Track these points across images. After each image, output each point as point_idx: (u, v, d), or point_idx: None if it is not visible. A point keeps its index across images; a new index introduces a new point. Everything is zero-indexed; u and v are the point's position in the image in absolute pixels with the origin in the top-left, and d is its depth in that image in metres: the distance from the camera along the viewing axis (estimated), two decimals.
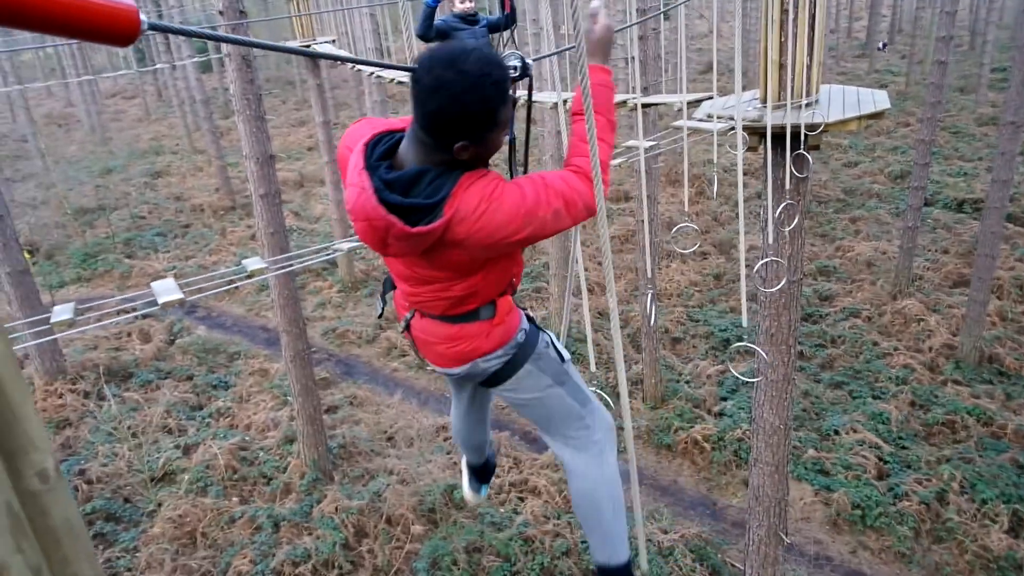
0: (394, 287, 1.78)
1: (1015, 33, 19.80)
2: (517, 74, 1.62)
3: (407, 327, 1.74)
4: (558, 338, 1.85)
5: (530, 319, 1.77)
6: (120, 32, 0.77)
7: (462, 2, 4.63)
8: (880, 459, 6.96)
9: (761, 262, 2.92)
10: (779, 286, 3.40)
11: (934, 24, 18.08)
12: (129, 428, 7.83)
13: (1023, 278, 9.74)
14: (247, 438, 7.73)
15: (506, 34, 5.04)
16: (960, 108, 17.64)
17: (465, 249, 1.44)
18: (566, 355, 1.79)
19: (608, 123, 1.60)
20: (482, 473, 2.44)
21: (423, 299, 1.63)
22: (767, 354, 4.40)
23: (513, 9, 4.90)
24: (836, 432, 7.31)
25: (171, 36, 17.53)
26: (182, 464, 7.34)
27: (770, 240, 3.29)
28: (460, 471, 2.48)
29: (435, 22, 4.52)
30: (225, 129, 19.77)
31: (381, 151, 1.46)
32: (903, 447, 7.15)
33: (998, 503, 6.25)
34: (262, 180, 6.39)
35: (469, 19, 4.65)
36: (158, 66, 16.28)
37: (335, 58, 1.77)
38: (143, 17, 0.81)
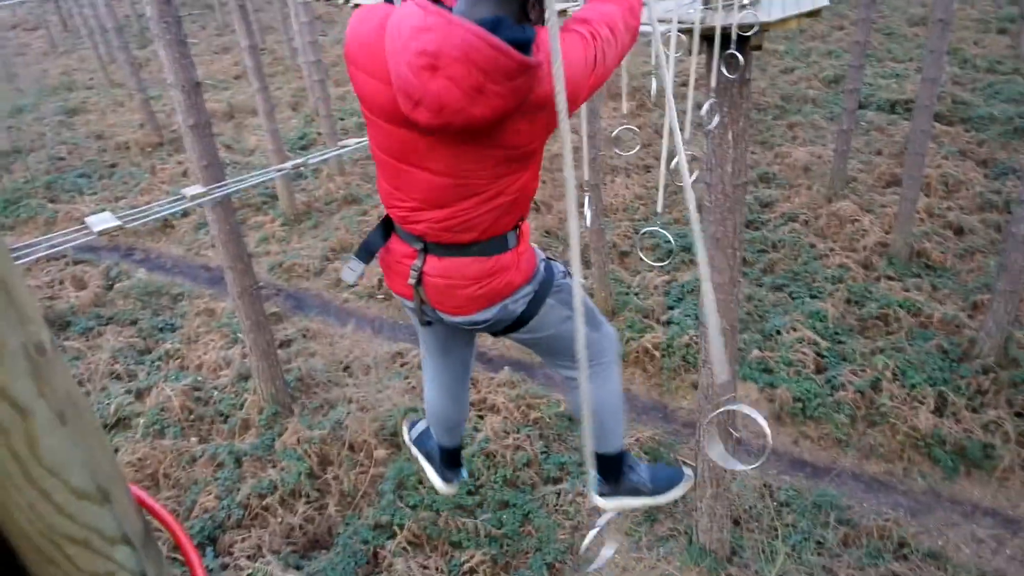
0: (380, 246, 1.59)
1: None
2: None
3: (419, 279, 1.54)
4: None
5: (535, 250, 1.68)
6: None
7: None
8: (819, 354, 7.33)
9: (695, 175, 2.94)
10: (694, 178, 3.46)
11: None
12: (75, 376, 7.64)
13: (949, 175, 10.13)
14: (200, 378, 7.63)
15: None
16: (893, 9, 17.80)
17: (547, 111, 1.28)
18: (578, 277, 1.78)
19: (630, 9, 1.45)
20: (455, 457, 2.22)
21: (456, 224, 1.44)
22: (713, 258, 4.52)
23: None
24: (778, 332, 7.64)
25: None
26: (136, 409, 7.24)
27: (687, 136, 3.32)
28: (421, 468, 2.22)
29: None
30: (144, 60, 18.60)
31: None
32: (840, 342, 7.53)
33: (925, 387, 6.70)
34: (190, 110, 6.08)
35: None
36: None
37: None
38: None
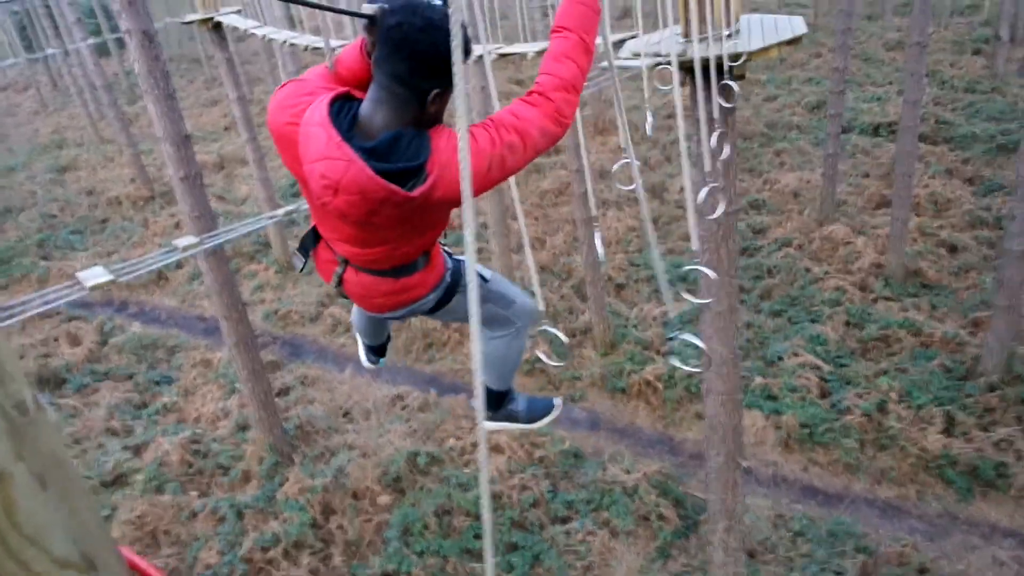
0: (315, 244, 1.79)
1: None
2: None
3: (340, 281, 1.76)
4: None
5: (449, 254, 1.90)
6: None
7: None
8: (822, 379, 7.28)
9: (703, 189, 2.95)
10: (719, 212, 3.46)
11: None
12: (71, 435, 7.51)
13: (937, 194, 10.23)
14: (198, 431, 7.51)
15: None
16: (869, 35, 18.18)
17: (442, 206, 1.46)
18: (487, 274, 1.97)
19: (581, 43, 1.53)
20: (380, 350, 2.58)
21: (369, 259, 1.64)
22: (709, 287, 4.50)
23: None
24: (780, 358, 7.60)
25: (58, 17, 16.39)
26: (134, 465, 7.10)
27: (707, 168, 3.33)
28: (358, 346, 2.58)
29: None
30: (133, 115, 18.75)
31: (347, 120, 1.42)
32: (842, 365, 7.49)
33: (932, 407, 6.64)
34: (180, 162, 6.09)
35: None
36: (49, 52, 15.12)
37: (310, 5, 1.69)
38: None
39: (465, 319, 1.98)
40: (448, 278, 1.84)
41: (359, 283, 1.74)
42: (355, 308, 2.30)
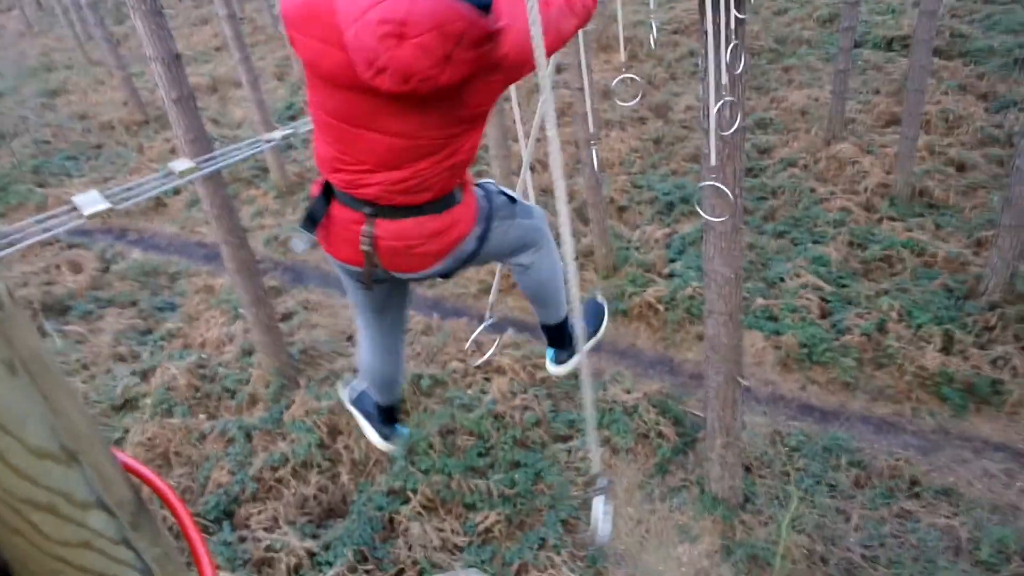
0: (323, 213, 1.55)
1: None
2: None
3: (372, 242, 1.50)
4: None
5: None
6: None
7: None
8: (823, 299, 7.29)
9: (718, 104, 2.86)
10: (733, 128, 3.37)
11: None
12: (78, 361, 7.62)
13: (949, 111, 9.96)
14: (204, 356, 7.61)
15: None
16: None
17: (504, 68, 1.28)
18: (511, 192, 1.80)
19: None
20: (392, 414, 2.24)
21: (408, 186, 1.42)
22: (714, 207, 4.43)
23: None
24: (781, 279, 7.59)
25: None
26: (142, 389, 7.22)
27: (723, 80, 3.21)
28: (360, 427, 2.23)
29: None
30: (122, 35, 18.18)
31: None
32: (843, 286, 7.48)
33: (932, 326, 6.67)
34: (173, 83, 5.91)
35: None
36: None
37: None
38: None
39: (508, 253, 1.83)
40: (484, 205, 1.67)
41: (397, 233, 1.49)
42: (364, 344, 2.01)
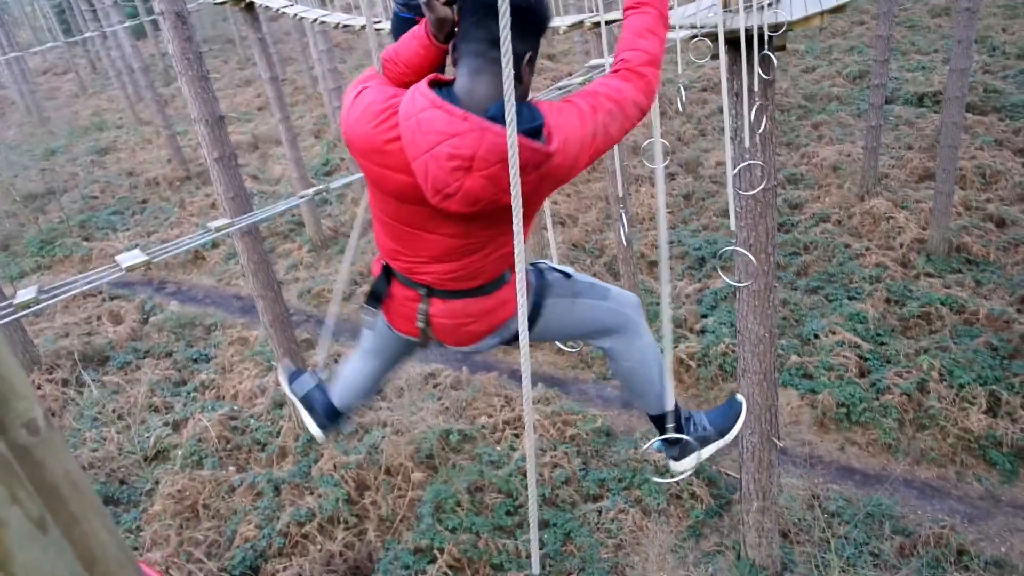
0: (385, 291, 1.66)
1: None
2: None
3: (426, 319, 1.62)
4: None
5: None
6: None
7: None
8: (860, 357, 7.12)
9: (740, 165, 2.87)
10: (760, 188, 3.37)
11: None
12: (114, 411, 7.73)
13: (984, 166, 9.85)
14: (236, 408, 7.67)
15: None
16: (914, 1, 17.50)
17: (556, 177, 1.37)
18: (568, 270, 1.80)
19: (661, 16, 1.53)
20: (341, 415, 2.29)
21: (460, 274, 1.53)
22: (747, 265, 4.40)
23: None
24: (816, 336, 7.45)
25: (96, 0, 16.60)
26: (174, 440, 7.28)
27: (747, 144, 3.23)
28: (298, 413, 2.30)
29: None
30: (169, 97, 19.01)
31: (452, 100, 1.34)
32: (882, 343, 7.31)
33: (975, 386, 6.46)
34: (215, 143, 6.15)
35: None
36: (87, 35, 15.38)
37: None
38: None
39: (566, 332, 1.85)
40: (534, 282, 1.72)
41: (449, 312, 1.61)
42: (354, 366, 2.09)
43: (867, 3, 16.80)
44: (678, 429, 1.97)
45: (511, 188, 1.26)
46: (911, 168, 10.35)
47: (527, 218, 1.45)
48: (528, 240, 1.56)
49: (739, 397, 2.08)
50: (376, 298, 1.69)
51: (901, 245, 8.67)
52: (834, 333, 7.40)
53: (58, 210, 13.34)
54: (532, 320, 1.71)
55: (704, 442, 1.98)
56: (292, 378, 2.31)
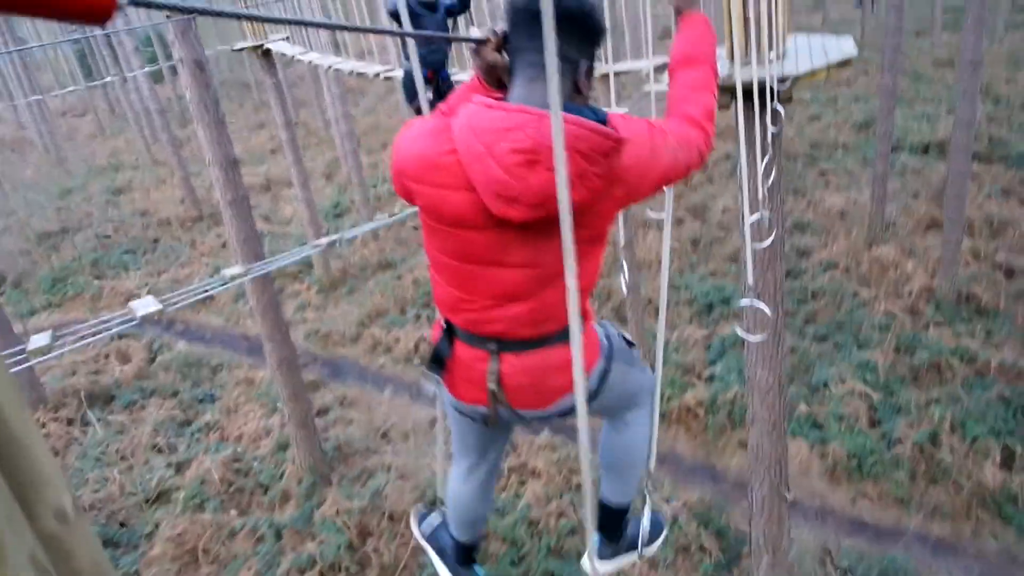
0: (448, 353, 1.53)
1: None
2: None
3: (498, 380, 1.48)
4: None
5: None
6: (97, 8, 0.66)
7: None
8: (871, 407, 7.04)
9: (752, 217, 2.89)
10: (770, 241, 3.38)
11: None
12: (117, 451, 7.69)
13: (993, 216, 9.87)
14: (239, 449, 7.62)
15: (460, 19, 4.98)
16: (918, 52, 17.78)
17: (627, 182, 1.29)
18: (629, 336, 1.73)
19: (713, 71, 1.54)
20: (470, 553, 2.11)
21: (535, 316, 1.41)
22: (755, 313, 4.39)
23: None
24: (826, 385, 7.38)
25: (117, 46, 17.06)
26: (176, 482, 7.22)
27: (758, 195, 3.26)
28: (433, 563, 2.10)
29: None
30: (185, 139, 19.35)
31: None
32: (891, 393, 7.23)
33: (989, 439, 6.36)
34: (228, 186, 6.24)
35: (430, 4, 4.59)
36: (107, 79, 15.77)
37: (375, 31, 1.67)
38: None
39: (616, 400, 1.73)
40: (605, 342, 1.63)
41: (524, 367, 1.46)
42: (456, 478, 1.95)
43: (871, 53, 17.08)
44: (622, 524, 1.93)
45: (593, 183, 1.18)
46: (918, 216, 10.37)
47: (598, 237, 1.39)
48: (599, 268, 1.49)
49: (662, 517, 2.06)
50: (438, 363, 1.55)
51: (910, 293, 8.64)
52: (844, 382, 7.33)
53: (71, 248, 13.48)
54: (601, 381, 1.61)
55: (632, 547, 1.95)
56: (421, 520, 2.18)
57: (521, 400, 1.52)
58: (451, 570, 2.06)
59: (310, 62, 7.87)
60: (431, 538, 2.12)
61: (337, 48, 10.64)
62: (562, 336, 1.43)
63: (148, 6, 0.91)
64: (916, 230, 10.14)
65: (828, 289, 9.03)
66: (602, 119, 1.26)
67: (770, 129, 3.74)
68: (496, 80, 1.49)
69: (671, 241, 8.70)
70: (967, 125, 8.02)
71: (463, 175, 1.28)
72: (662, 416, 7.51)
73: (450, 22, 4.88)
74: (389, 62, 9.03)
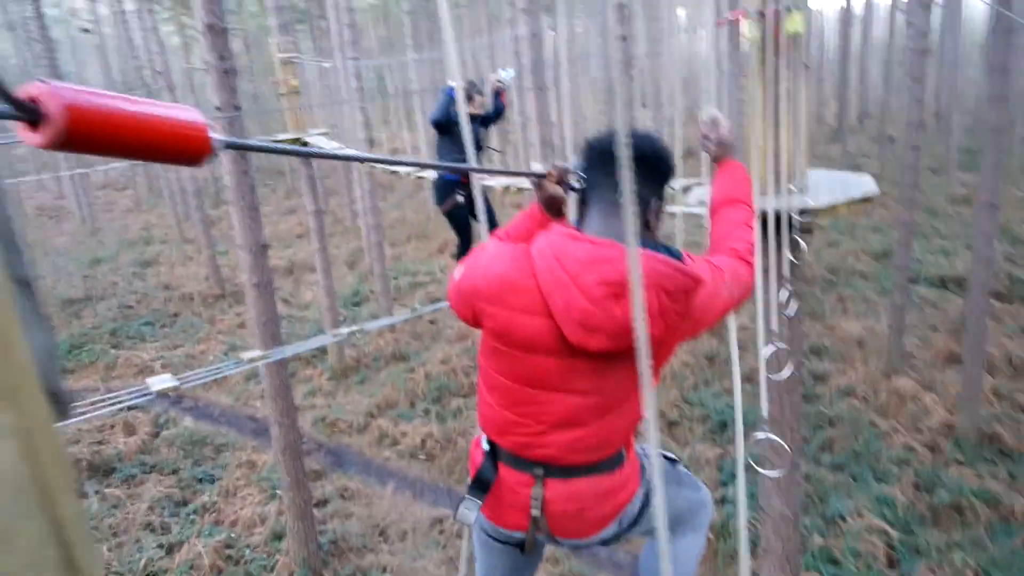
0: (492, 477, 1.48)
1: (977, 116, 20.71)
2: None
3: (541, 507, 1.43)
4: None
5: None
6: (192, 152, 0.76)
7: (480, 106, 4.83)
8: (889, 545, 6.76)
9: (769, 350, 2.91)
10: (786, 373, 3.38)
11: (901, 109, 18.93)
12: (110, 527, 7.51)
13: (1015, 355, 9.79)
14: (233, 535, 7.41)
15: (492, 128, 5.25)
16: (933, 187, 18.22)
17: (693, 318, 1.33)
18: (672, 455, 1.73)
19: (752, 211, 1.64)
20: None
21: (584, 444, 1.40)
22: (769, 459, 4.32)
23: (505, 104, 5.12)
24: (842, 517, 7.12)
25: None
26: (165, 564, 6.99)
27: (774, 327, 3.29)
28: None
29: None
30: (216, 218, 19.96)
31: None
32: (911, 532, 6.96)
33: None
34: (255, 269, 6.39)
35: (472, 116, 4.84)
36: None
37: (429, 165, 1.79)
38: (214, 135, 0.77)
39: (675, 522, 1.70)
40: (645, 463, 1.62)
41: (570, 494, 1.43)
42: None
43: (888, 187, 17.53)
44: None
45: (671, 319, 1.21)
46: (937, 350, 10.31)
47: (658, 366, 1.41)
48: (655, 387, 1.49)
49: None
50: (483, 486, 1.48)
51: (929, 429, 8.47)
52: (861, 516, 7.08)
53: (92, 316, 13.68)
54: (640, 515, 1.58)
55: None
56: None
57: (563, 528, 1.49)
58: None
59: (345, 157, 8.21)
60: None
61: (372, 145, 11.13)
62: (608, 465, 1.44)
63: (242, 148, 1.01)
64: (935, 363, 10.05)
65: (845, 417, 8.89)
66: (678, 256, 1.32)
67: (788, 258, 3.82)
68: (556, 211, 1.56)
69: (685, 356, 8.66)
70: (986, 264, 8.11)
71: (542, 301, 1.31)
72: None
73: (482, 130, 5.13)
74: (420, 155, 9.37)
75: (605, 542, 1.59)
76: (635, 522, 1.58)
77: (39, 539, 0.40)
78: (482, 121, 5.06)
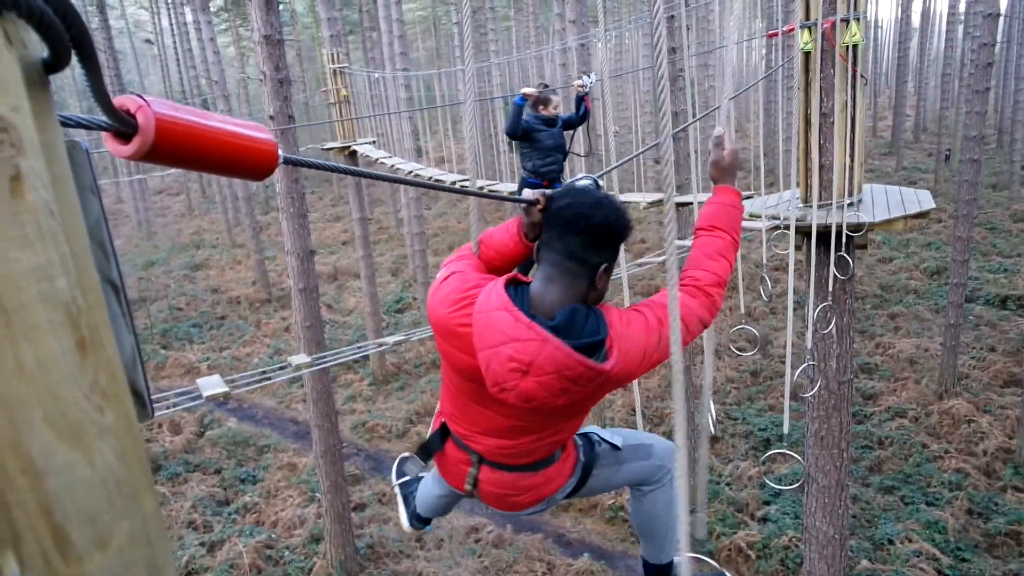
0: (438, 448, 1.73)
1: None
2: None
3: (475, 483, 1.69)
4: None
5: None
6: (261, 168, 0.80)
7: (555, 107, 4.85)
8: (940, 572, 6.50)
9: (800, 368, 2.84)
10: (814, 391, 3.30)
11: (959, 123, 18.33)
12: None
13: None
14: (273, 536, 7.52)
15: (579, 130, 5.25)
16: (994, 204, 17.60)
17: (615, 383, 1.44)
18: (617, 441, 1.86)
19: (733, 243, 1.65)
20: (427, 521, 2.40)
21: (512, 452, 1.60)
22: (817, 458, 4.21)
23: (589, 108, 5.14)
24: (891, 541, 6.88)
25: None
26: (206, 563, 7.13)
27: (809, 344, 3.21)
28: (396, 502, 2.41)
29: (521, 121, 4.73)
30: (265, 224, 20.43)
31: (524, 302, 1.44)
32: (963, 559, 6.68)
33: None
34: (302, 275, 6.51)
35: (550, 120, 4.84)
36: None
37: (461, 192, 1.81)
38: (280, 152, 0.82)
39: (610, 485, 1.94)
40: (582, 457, 1.78)
41: (496, 482, 1.67)
42: (427, 485, 2.19)
43: (945, 203, 16.99)
44: (666, 574, 2.05)
45: (575, 396, 1.37)
46: (994, 371, 9.92)
47: (583, 411, 1.59)
48: (580, 425, 1.68)
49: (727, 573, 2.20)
50: (428, 453, 1.75)
51: (984, 452, 8.14)
52: (910, 541, 6.83)
53: (144, 317, 14.10)
54: (577, 488, 1.79)
55: None
56: (401, 464, 2.39)
57: (492, 502, 1.73)
58: (408, 519, 2.28)
59: (392, 166, 8.33)
60: (402, 486, 2.30)
61: (419, 153, 11.25)
62: (535, 466, 1.63)
63: (306, 166, 1.07)
64: (991, 386, 9.67)
65: (896, 437, 8.60)
66: (599, 337, 1.38)
67: (834, 274, 3.72)
68: (535, 236, 1.62)
69: (728, 371, 8.53)
70: None
71: (473, 347, 1.44)
72: (710, 553, 7.10)
73: (568, 134, 5.12)
74: (464, 170, 9.46)
75: (534, 513, 1.82)
76: (568, 496, 1.81)
77: (130, 538, 0.40)
78: (564, 125, 5.05)
